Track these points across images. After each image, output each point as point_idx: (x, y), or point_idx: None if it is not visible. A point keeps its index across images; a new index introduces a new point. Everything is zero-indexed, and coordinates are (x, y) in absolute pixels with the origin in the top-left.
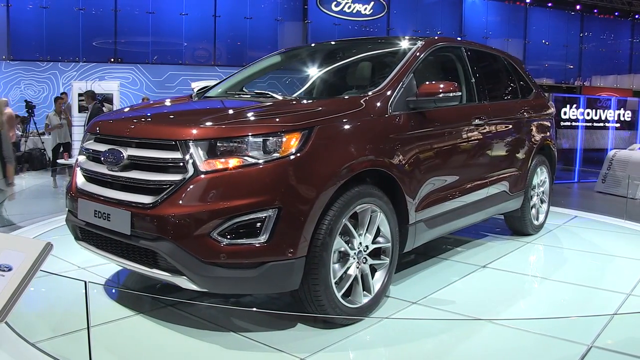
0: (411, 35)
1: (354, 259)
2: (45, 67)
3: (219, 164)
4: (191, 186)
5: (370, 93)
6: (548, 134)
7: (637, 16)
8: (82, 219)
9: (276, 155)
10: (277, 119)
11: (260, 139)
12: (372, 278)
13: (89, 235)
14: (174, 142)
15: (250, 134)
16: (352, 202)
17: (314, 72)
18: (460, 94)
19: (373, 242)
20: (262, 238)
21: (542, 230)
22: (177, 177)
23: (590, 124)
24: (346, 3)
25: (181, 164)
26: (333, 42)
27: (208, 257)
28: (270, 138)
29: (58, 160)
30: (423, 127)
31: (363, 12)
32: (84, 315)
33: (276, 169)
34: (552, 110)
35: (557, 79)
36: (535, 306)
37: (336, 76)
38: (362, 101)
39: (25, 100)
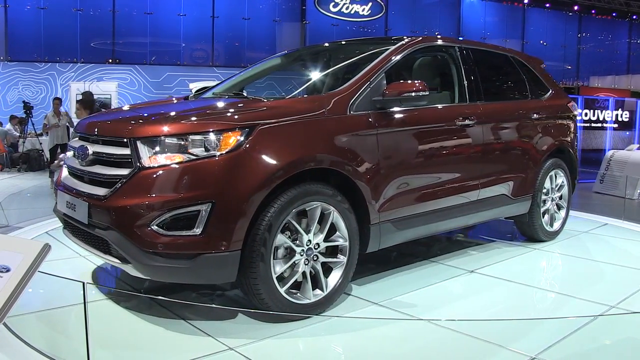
0: (408, 36)
1: (301, 255)
2: (43, 67)
3: (162, 160)
4: (136, 180)
5: (327, 93)
6: (566, 136)
7: (634, 17)
8: (59, 209)
9: (215, 152)
10: (221, 118)
11: (201, 137)
12: (328, 276)
13: (67, 224)
14: (125, 140)
15: (190, 131)
16: (296, 200)
17: (304, 74)
18: (427, 93)
19: (327, 241)
20: (197, 231)
21: (561, 237)
22: (126, 172)
23: (588, 125)
24: (344, 4)
25: (130, 159)
26: (324, 44)
27: (148, 246)
28: (210, 136)
29: (56, 161)
30: (389, 127)
31: (361, 12)
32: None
33: (212, 165)
34: (575, 112)
35: (555, 79)
36: (498, 312)
37: (322, 77)
38: (317, 101)
39: (23, 101)
